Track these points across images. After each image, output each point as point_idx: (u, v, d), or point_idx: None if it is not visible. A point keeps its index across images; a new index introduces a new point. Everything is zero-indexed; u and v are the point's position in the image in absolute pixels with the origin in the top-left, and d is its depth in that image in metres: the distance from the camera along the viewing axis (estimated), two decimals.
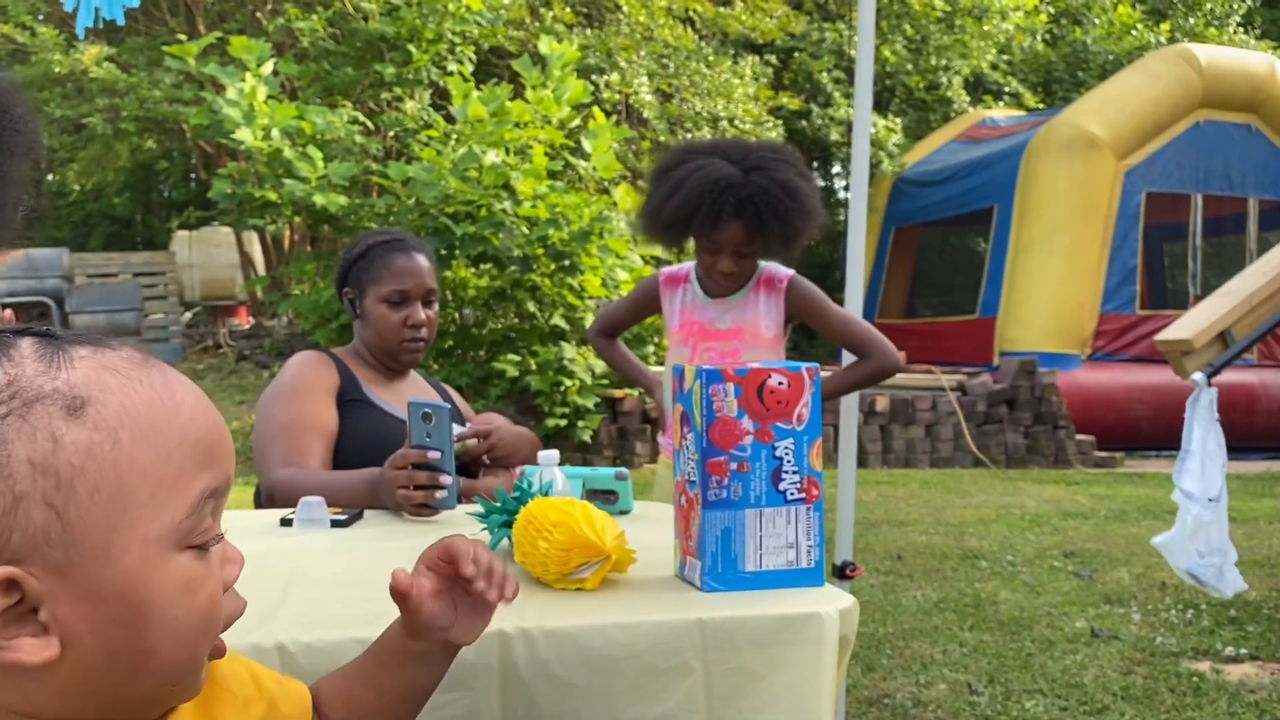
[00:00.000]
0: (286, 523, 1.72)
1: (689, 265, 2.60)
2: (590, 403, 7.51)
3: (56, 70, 9.88)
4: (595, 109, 8.22)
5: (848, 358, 2.66)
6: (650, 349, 7.81)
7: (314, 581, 1.37)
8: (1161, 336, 3.98)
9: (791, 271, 2.55)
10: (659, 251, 7.51)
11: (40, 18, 10.85)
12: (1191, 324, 3.88)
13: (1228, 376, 3.87)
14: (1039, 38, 14.85)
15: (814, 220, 2.44)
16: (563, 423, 7.37)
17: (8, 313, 2.73)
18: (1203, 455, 3.54)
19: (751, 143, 2.55)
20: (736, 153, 2.45)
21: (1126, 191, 9.72)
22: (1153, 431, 9.07)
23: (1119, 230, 9.70)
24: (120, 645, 0.63)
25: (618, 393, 7.86)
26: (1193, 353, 3.76)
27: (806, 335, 12.02)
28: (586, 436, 7.53)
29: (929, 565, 4.97)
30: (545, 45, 8.14)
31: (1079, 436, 8.92)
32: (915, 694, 3.29)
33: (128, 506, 0.62)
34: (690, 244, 2.57)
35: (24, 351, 0.62)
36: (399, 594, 0.92)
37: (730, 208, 2.35)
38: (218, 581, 0.68)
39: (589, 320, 7.70)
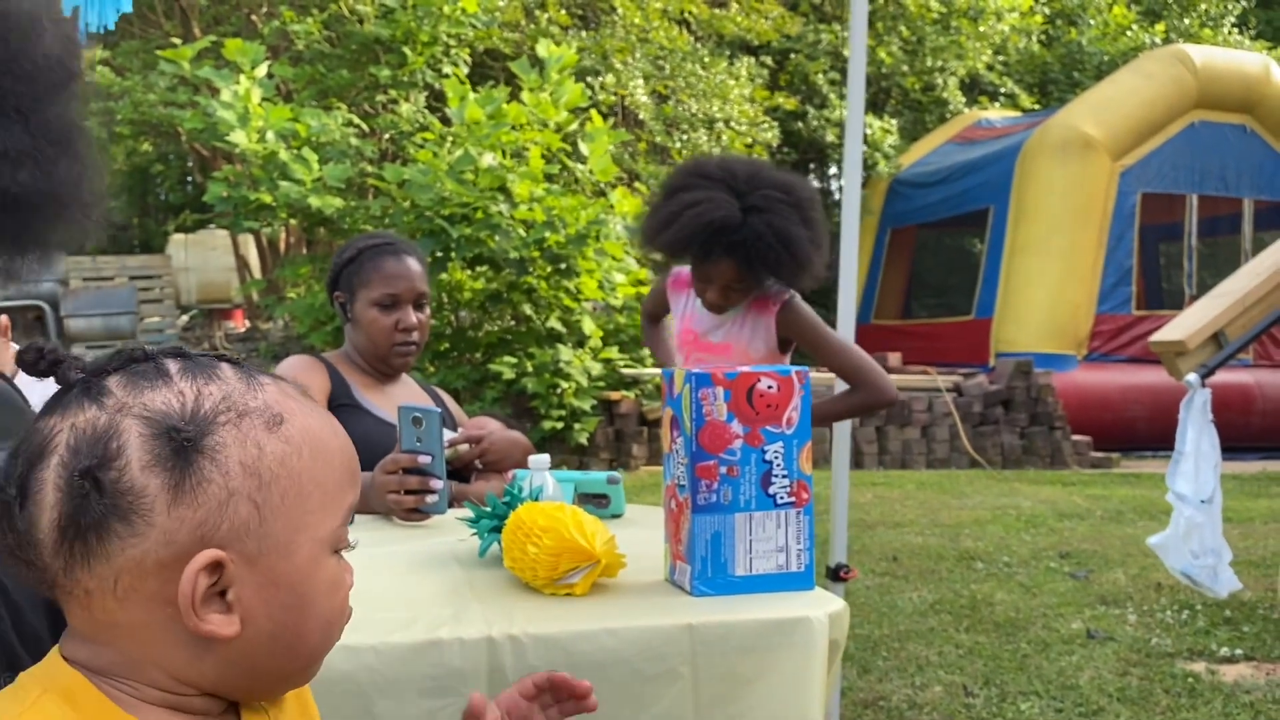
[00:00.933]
0: None
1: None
2: (587, 405, 7.50)
3: None
4: (593, 112, 8.22)
5: None
6: (647, 350, 7.80)
7: None
8: (1155, 338, 3.99)
9: (790, 293, 2.48)
10: (656, 254, 7.51)
11: None
12: (1185, 325, 3.89)
13: (1223, 376, 3.88)
14: (1034, 39, 14.86)
15: (807, 271, 2.38)
16: (559, 425, 7.37)
17: (3, 318, 2.73)
18: (1196, 457, 3.55)
19: (764, 172, 2.46)
20: (744, 183, 2.37)
21: (1122, 192, 9.73)
22: (1149, 432, 9.07)
23: (1114, 231, 9.71)
24: (282, 628, 0.73)
25: (614, 395, 7.86)
26: (1186, 354, 3.77)
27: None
28: (583, 439, 7.53)
29: (925, 566, 4.96)
30: (543, 48, 8.14)
31: (1075, 437, 8.93)
32: (911, 696, 3.29)
33: (306, 510, 0.73)
34: None
35: (226, 373, 0.74)
36: (475, 709, 0.94)
37: (721, 247, 2.32)
38: (349, 582, 0.80)
39: (585, 323, 7.70)
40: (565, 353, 7.42)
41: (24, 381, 1.25)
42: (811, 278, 2.41)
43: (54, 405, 0.72)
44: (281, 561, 0.72)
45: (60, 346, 0.76)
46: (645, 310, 2.96)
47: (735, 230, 2.30)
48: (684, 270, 2.59)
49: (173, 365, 0.73)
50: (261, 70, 7.73)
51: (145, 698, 0.71)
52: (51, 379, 0.75)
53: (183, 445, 0.69)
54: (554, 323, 7.69)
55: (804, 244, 2.35)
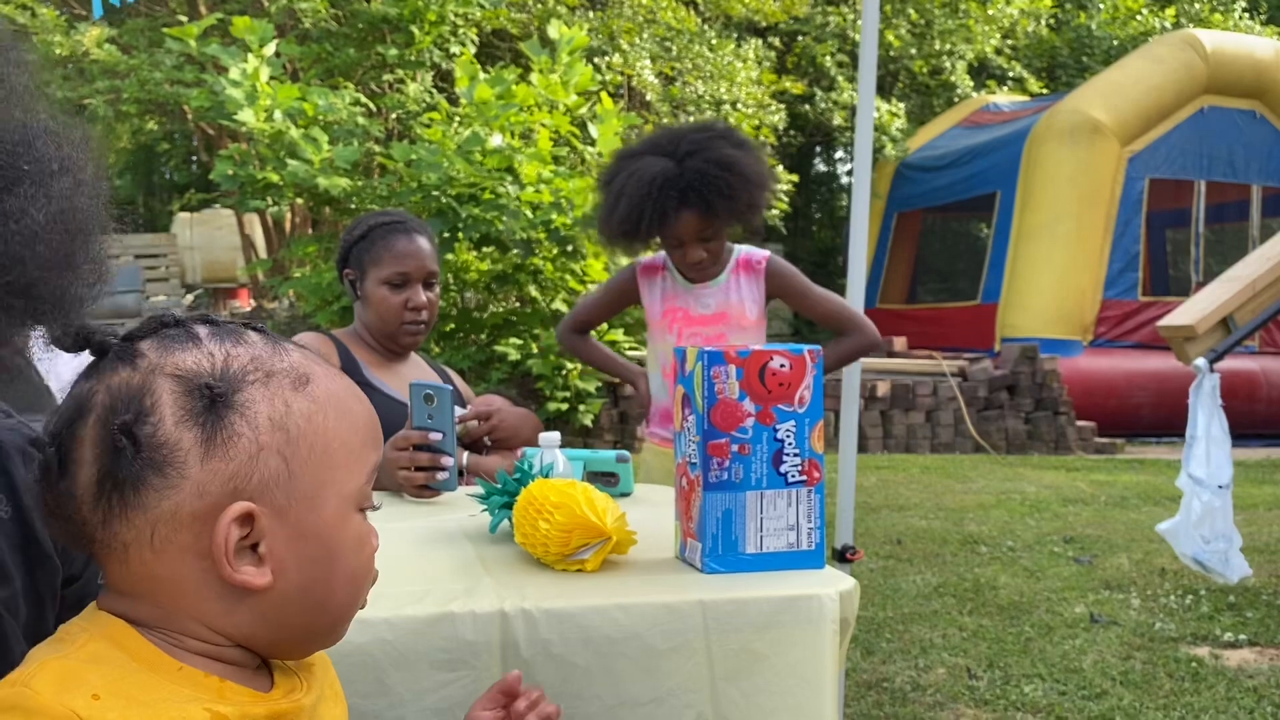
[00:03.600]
0: None
1: (664, 254, 2.59)
2: (592, 387, 7.51)
3: (57, 52, 9.83)
4: (603, 94, 8.19)
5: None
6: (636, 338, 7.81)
7: None
8: (1164, 322, 3.98)
9: (768, 253, 2.55)
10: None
11: None
12: (1194, 310, 3.88)
13: (1229, 364, 3.87)
14: (1043, 22, 14.78)
15: (761, 186, 2.42)
16: (564, 407, 7.38)
17: None
18: (1208, 441, 3.55)
19: (683, 128, 2.53)
20: (668, 144, 2.44)
21: (1129, 178, 9.70)
22: (1154, 418, 9.08)
23: (1121, 216, 9.69)
24: (313, 581, 0.76)
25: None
26: (1195, 338, 3.76)
27: (809, 323, 12.02)
28: (588, 420, 7.54)
29: (929, 550, 4.98)
30: (555, 29, 8.11)
31: (1080, 423, 8.93)
32: (914, 678, 3.30)
33: (333, 466, 0.76)
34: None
35: (253, 338, 0.78)
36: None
37: (674, 201, 2.34)
38: (374, 543, 0.82)
39: None
40: None
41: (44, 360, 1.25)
42: (769, 190, 2.46)
43: (91, 371, 0.74)
44: (309, 515, 0.74)
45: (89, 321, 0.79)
46: (577, 323, 2.75)
47: (678, 179, 2.35)
48: (651, 257, 2.61)
49: (202, 330, 0.76)
50: (270, 49, 7.71)
51: (185, 647, 0.73)
52: (85, 353, 0.76)
53: (214, 400, 0.72)
54: (559, 304, 7.69)
55: (747, 161, 2.40)
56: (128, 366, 0.73)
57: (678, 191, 2.35)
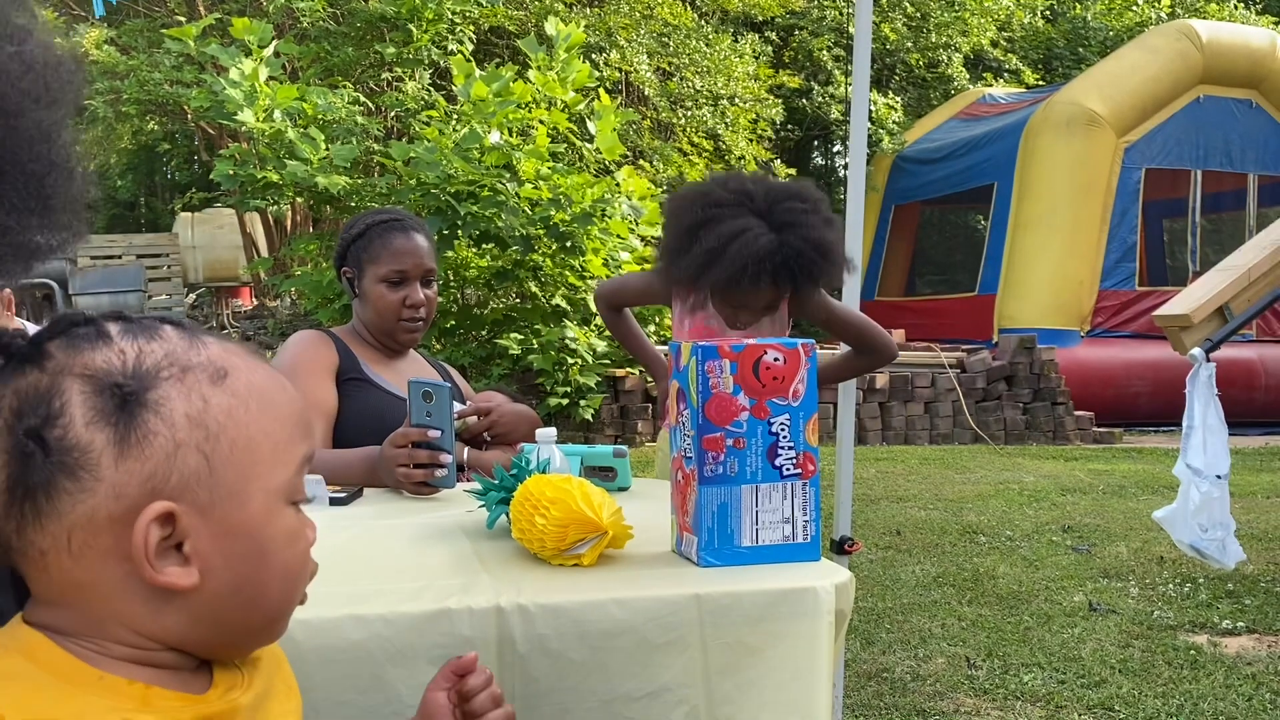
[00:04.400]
0: None
1: None
2: (592, 381, 7.53)
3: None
4: (601, 91, 8.20)
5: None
6: (652, 328, 7.82)
7: (315, 559, 1.38)
8: (1160, 312, 4.00)
9: None
10: (660, 232, 7.51)
11: None
12: (1190, 299, 3.90)
13: (1226, 352, 3.88)
14: (1039, 14, 14.77)
15: (839, 270, 2.36)
16: (565, 401, 7.39)
17: (5, 292, 2.74)
18: (1204, 430, 3.56)
19: (774, 187, 2.38)
20: (762, 204, 2.29)
21: (1126, 168, 9.71)
22: (1151, 407, 9.10)
23: (1118, 207, 9.70)
24: (243, 579, 0.74)
25: (619, 371, 7.88)
26: (1191, 328, 3.78)
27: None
28: (588, 415, 7.56)
29: (928, 540, 4.99)
30: (552, 26, 8.11)
31: (1078, 412, 8.94)
32: (914, 668, 3.32)
33: (256, 460, 0.74)
34: None
35: (168, 333, 0.75)
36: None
37: (768, 276, 2.24)
38: (310, 538, 0.80)
39: (590, 301, 7.70)
40: (571, 329, 7.44)
41: None
42: (839, 279, 2.43)
43: (1, 377, 0.72)
44: (235, 511, 0.72)
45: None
46: (610, 299, 2.72)
47: (776, 253, 2.23)
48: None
49: (113, 327, 0.73)
50: (269, 49, 7.72)
51: (111, 654, 0.71)
52: None
53: (125, 399, 0.70)
54: (559, 300, 7.70)
55: (837, 247, 2.32)
56: (35, 368, 0.70)
57: (773, 267, 2.23)
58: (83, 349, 0.71)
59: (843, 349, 2.69)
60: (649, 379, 8.00)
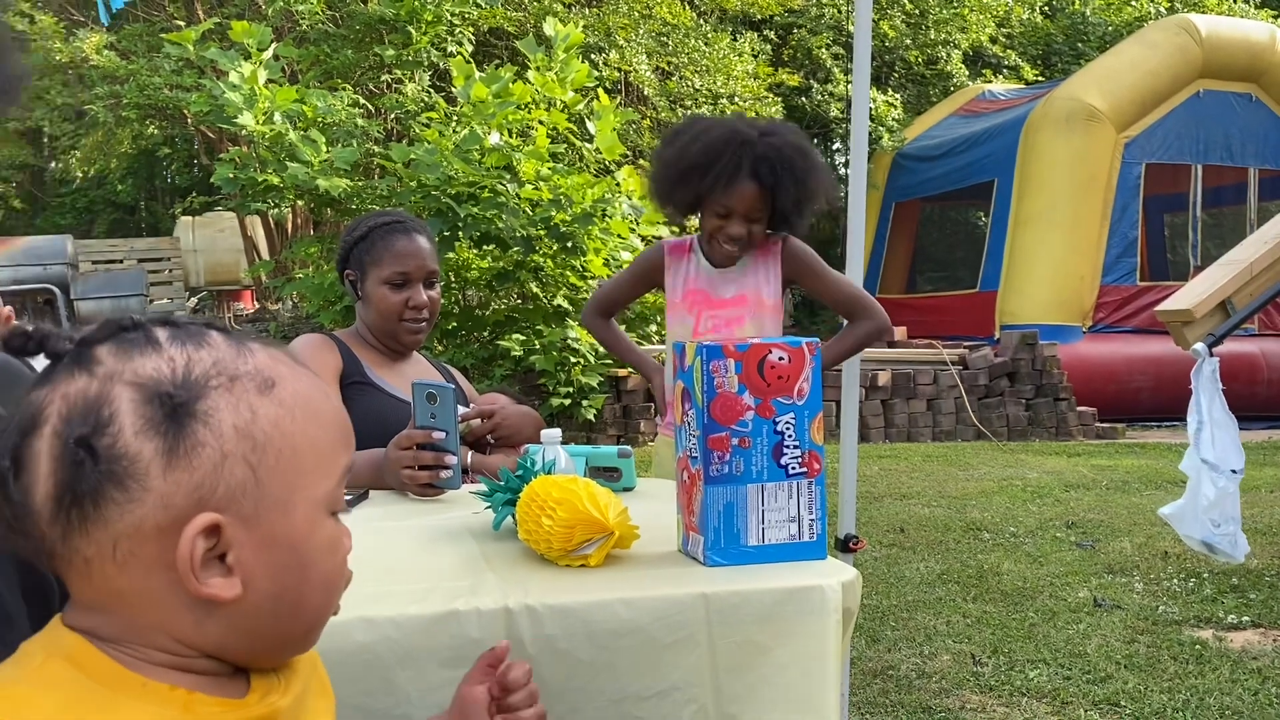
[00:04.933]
0: None
1: (692, 237, 2.61)
2: (594, 381, 7.53)
3: (57, 58, 9.87)
4: (600, 91, 8.20)
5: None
6: (654, 328, 7.82)
7: None
8: (1162, 307, 4.00)
9: (784, 234, 2.55)
10: (662, 231, 7.51)
11: (39, 4, 10.84)
12: (1192, 294, 3.90)
13: (1229, 347, 3.88)
14: (1037, 10, 14.77)
15: (826, 182, 2.45)
16: (567, 401, 7.39)
17: (6, 309, 2.74)
18: (1212, 425, 3.56)
19: (765, 119, 2.60)
20: (747, 122, 2.49)
21: (1126, 163, 9.70)
22: (1154, 402, 9.10)
23: (1119, 202, 9.69)
24: (284, 589, 0.74)
25: (622, 371, 7.88)
26: (1193, 323, 3.78)
27: (809, 311, 12.03)
28: (591, 415, 7.56)
29: (932, 538, 4.99)
30: (550, 27, 8.11)
31: (1080, 408, 8.94)
32: (919, 665, 3.32)
33: (301, 471, 0.74)
34: (691, 221, 2.58)
35: (216, 340, 0.74)
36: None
37: (748, 164, 2.35)
38: (346, 545, 0.80)
39: None
40: (573, 330, 7.44)
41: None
42: (827, 195, 2.48)
43: (46, 378, 0.72)
44: (279, 522, 0.72)
45: (44, 325, 0.76)
46: (601, 304, 2.74)
47: (756, 145, 2.36)
48: (679, 239, 2.62)
49: (162, 333, 0.73)
50: (268, 53, 7.72)
51: (153, 660, 0.71)
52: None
53: (175, 409, 0.69)
54: (560, 300, 7.70)
55: (818, 157, 2.44)
56: (84, 373, 0.70)
57: (752, 158, 2.36)
58: (132, 355, 0.71)
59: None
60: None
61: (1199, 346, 3.62)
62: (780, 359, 1.31)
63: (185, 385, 0.70)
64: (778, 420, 1.31)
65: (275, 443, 0.72)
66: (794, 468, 1.32)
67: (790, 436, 1.31)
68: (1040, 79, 13.60)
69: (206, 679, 0.73)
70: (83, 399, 0.69)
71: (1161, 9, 14.24)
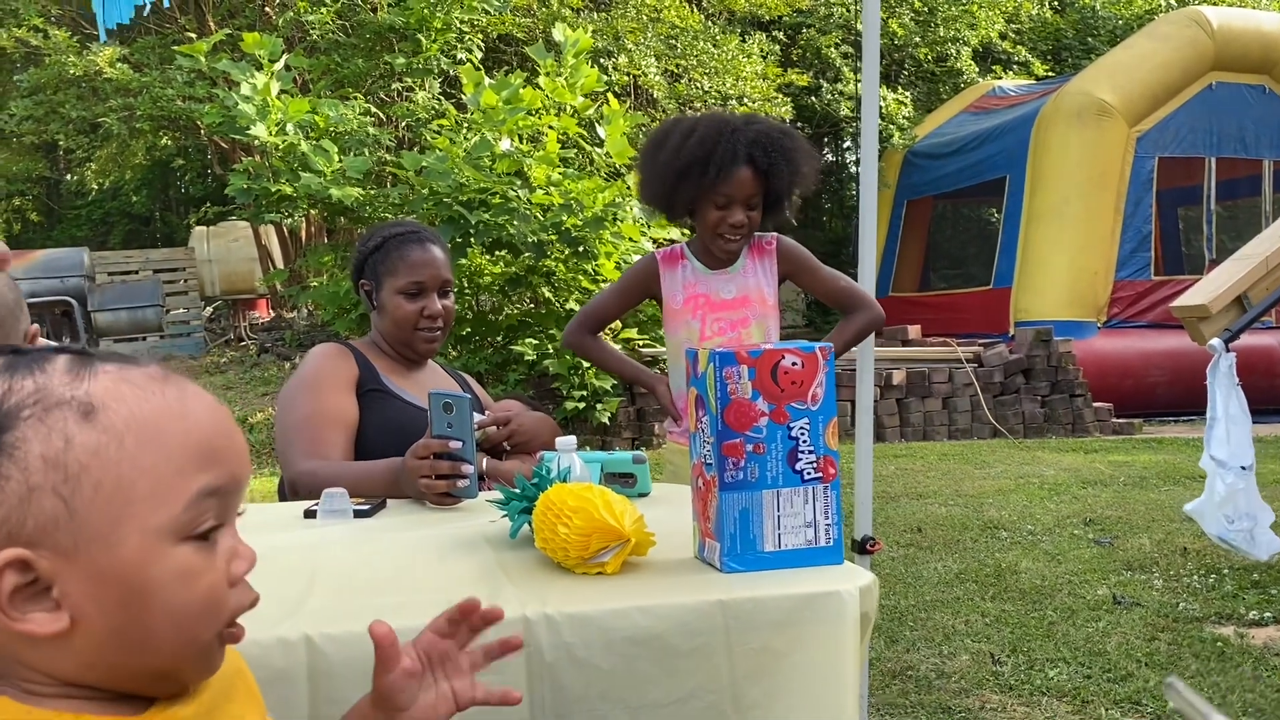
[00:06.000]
0: (310, 514, 1.75)
1: (681, 244, 2.63)
2: (609, 385, 7.54)
3: (71, 72, 9.94)
4: (610, 95, 8.21)
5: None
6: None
7: (338, 573, 1.39)
8: (1178, 303, 3.98)
9: (775, 234, 2.60)
10: (674, 234, 7.51)
11: (52, 20, 10.92)
12: (1207, 289, 3.87)
13: (1246, 340, 3.86)
14: (1047, 5, 14.71)
15: (812, 162, 2.50)
16: (581, 405, 7.41)
17: (34, 327, 2.77)
18: (1227, 421, 3.55)
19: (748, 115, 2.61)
20: (725, 115, 2.54)
21: (1139, 157, 9.66)
22: (1170, 397, 9.05)
23: (1132, 196, 9.65)
24: (123, 623, 0.70)
25: None
26: (1209, 318, 3.76)
27: (821, 312, 12.01)
28: (605, 419, 7.57)
29: (949, 537, 4.98)
30: (560, 32, 8.13)
31: (1096, 404, 8.90)
32: (938, 665, 3.31)
33: (129, 501, 0.70)
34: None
35: (57, 365, 0.72)
36: (378, 642, 0.93)
37: (743, 150, 2.39)
38: (220, 574, 0.75)
39: None
40: None
41: None
42: (814, 174, 2.52)
43: None
44: (104, 554, 0.69)
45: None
46: (589, 320, 2.67)
47: (744, 131, 2.41)
48: (669, 248, 2.63)
49: None
50: (280, 64, 7.76)
51: (33, 691, 0.70)
52: None
53: None
54: (572, 305, 7.71)
55: (800, 137, 2.48)
56: None
57: (746, 143, 2.40)
58: None
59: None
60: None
61: (1215, 342, 3.60)
62: (794, 364, 1.31)
63: None
64: (792, 426, 1.31)
65: (93, 472, 0.69)
66: (809, 473, 1.32)
67: (805, 442, 1.32)
68: (1050, 74, 13.56)
69: (93, 704, 0.72)
70: None
71: (1172, 1, 14.17)
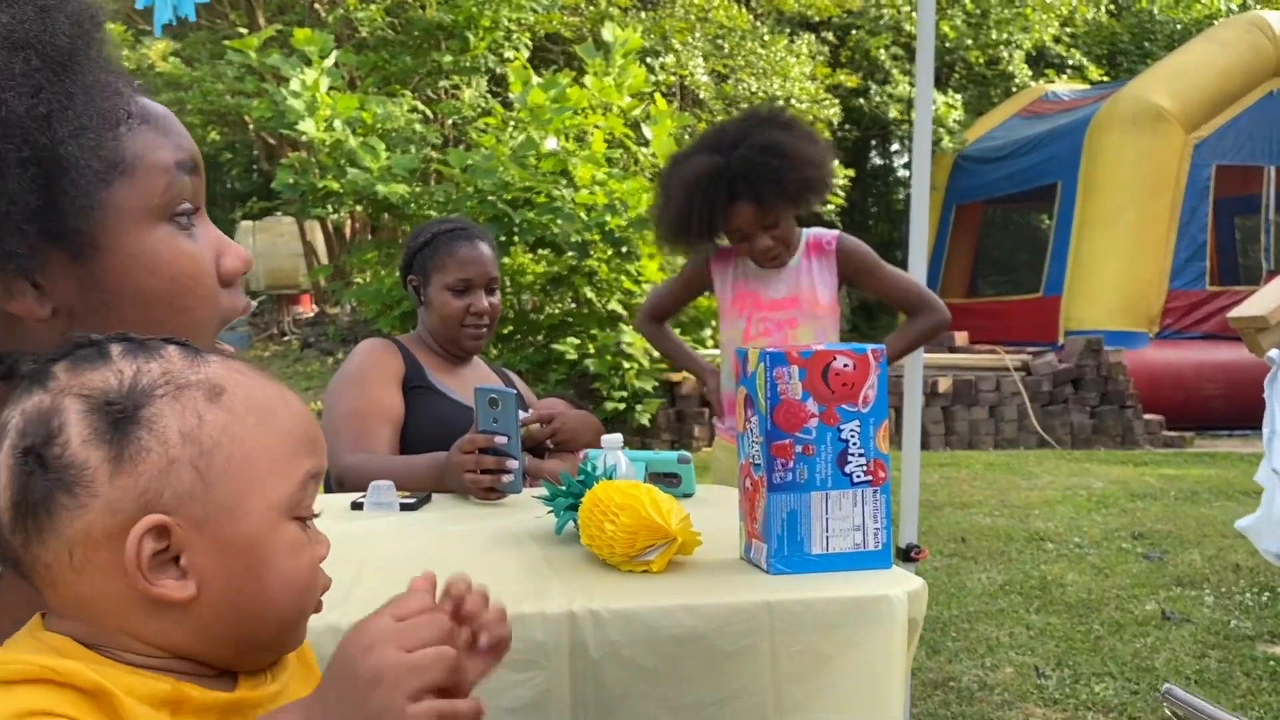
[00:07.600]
0: (357, 506, 1.76)
1: None
2: (649, 386, 7.53)
3: (123, 65, 10.10)
4: (657, 95, 8.21)
5: None
6: (708, 332, 7.80)
7: (385, 563, 1.40)
8: (1234, 313, 3.89)
9: (837, 232, 2.54)
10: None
11: (107, 14, 11.09)
12: (1266, 300, 3.78)
13: None
14: (1103, 8, 14.51)
15: (810, 164, 2.41)
16: (621, 406, 7.40)
17: None
18: None
19: (730, 120, 2.57)
20: (716, 139, 2.46)
21: (1195, 165, 9.48)
22: (1224, 411, 8.87)
23: (1187, 204, 9.47)
24: (242, 592, 0.75)
25: (676, 376, 7.87)
26: (1268, 329, 3.67)
27: (866, 317, 11.93)
28: (645, 420, 7.56)
29: (994, 547, 4.92)
30: (609, 31, 8.14)
31: (1147, 416, 8.75)
32: (981, 677, 3.27)
33: (253, 476, 0.75)
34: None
35: (170, 352, 0.77)
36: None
37: (724, 195, 2.35)
38: (316, 551, 0.80)
39: None
40: (627, 334, 7.45)
41: None
42: (821, 168, 2.45)
43: (13, 397, 0.75)
44: (231, 525, 0.74)
45: (14, 350, 0.80)
46: (652, 311, 2.79)
47: (723, 172, 2.36)
48: (724, 246, 2.61)
49: (115, 348, 0.76)
50: (329, 60, 7.84)
51: (129, 662, 0.73)
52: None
53: (120, 418, 0.72)
54: (615, 305, 7.71)
55: (792, 145, 2.40)
56: (40, 389, 0.74)
57: (726, 184, 2.35)
58: (83, 369, 0.74)
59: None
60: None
61: (1274, 354, 3.52)
62: (845, 366, 1.29)
63: (130, 395, 0.73)
64: (842, 428, 1.29)
65: (224, 448, 0.74)
66: (859, 475, 1.30)
67: (855, 444, 1.30)
68: (1105, 79, 13.37)
69: (188, 678, 0.75)
70: (37, 412, 0.72)
71: (1233, 6, 13.93)
